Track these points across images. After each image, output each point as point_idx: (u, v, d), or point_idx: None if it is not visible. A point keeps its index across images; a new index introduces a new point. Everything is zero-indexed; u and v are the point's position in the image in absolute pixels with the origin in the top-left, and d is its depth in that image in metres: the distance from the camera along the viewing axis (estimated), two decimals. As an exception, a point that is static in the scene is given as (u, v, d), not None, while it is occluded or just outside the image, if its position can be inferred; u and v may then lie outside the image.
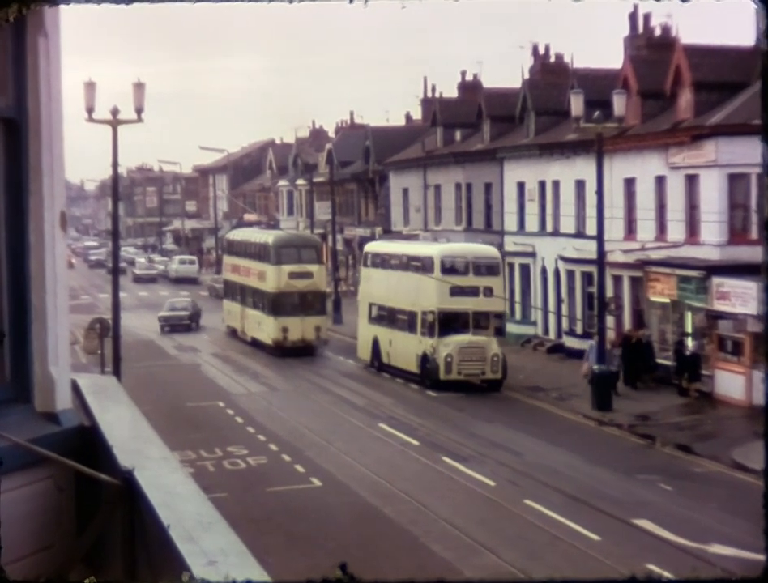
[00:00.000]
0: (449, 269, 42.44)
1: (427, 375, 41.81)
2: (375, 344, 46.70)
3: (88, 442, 6.17)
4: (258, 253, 55.50)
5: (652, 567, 20.63)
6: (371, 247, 51.82)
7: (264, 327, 53.04)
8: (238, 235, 63.99)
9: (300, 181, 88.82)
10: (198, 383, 45.32)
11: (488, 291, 41.81)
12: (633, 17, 48.84)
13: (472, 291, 41.56)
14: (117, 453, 5.72)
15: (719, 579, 6.78)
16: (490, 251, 44.43)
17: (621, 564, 20.84)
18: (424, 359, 41.91)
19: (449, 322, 41.40)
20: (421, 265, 43.55)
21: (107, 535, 5.68)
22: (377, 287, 47.25)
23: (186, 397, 41.57)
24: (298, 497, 27.17)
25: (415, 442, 33.15)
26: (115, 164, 35.44)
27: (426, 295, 42.18)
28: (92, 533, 5.70)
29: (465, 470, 29.40)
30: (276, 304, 51.78)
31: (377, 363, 46.56)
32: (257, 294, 54.67)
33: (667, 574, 18.80)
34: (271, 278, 52.60)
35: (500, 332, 44.26)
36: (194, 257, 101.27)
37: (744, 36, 64.76)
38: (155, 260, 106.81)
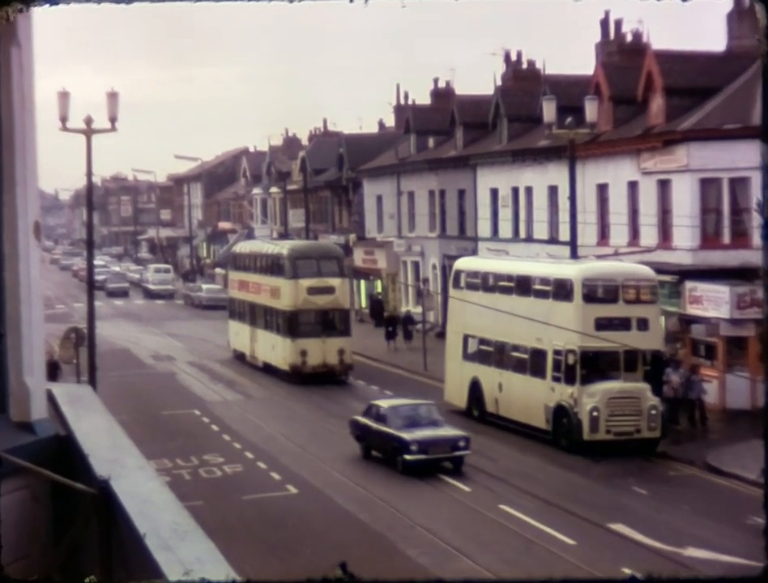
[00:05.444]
0: (593, 295, 33.14)
1: (564, 433, 32.40)
2: (475, 387, 37.33)
3: (64, 451, 6.17)
4: (271, 266, 49.06)
5: (628, 571, 20.69)
6: (465, 264, 40.82)
7: (279, 351, 46.85)
8: (246, 247, 57.45)
9: (273, 189, 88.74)
10: (173, 392, 45.18)
11: (642, 324, 32.73)
12: (604, 23, 49.03)
13: (623, 324, 32.60)
14: (93, 462, 5.73)
15: (719, 579, 6.82)
16: (644, 271, 34.14)
17: (597, 568, 20.90)
18: (559, 413, 32.58)
19: (593, 364, 32.38)
20: (552, 290, 33.92)
21: (83, 545, 5.68)
22: (476, 315, 36.86)
23: (162, 405, 41.46)
24: (274, 504, 27.17)
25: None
26: (89, 174, 35.34)
27: (561, 328, 32.27)
28: (69, 542, 5.71)
29: (440, 476, 29.41)
30: (293, 325, 45.69)
31: (479, 412, 37.08)
32: (270, 313, 48.33)
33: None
34: (287, 294, 46.38)
35: (655, 378, 33.64)
36: (169, 266, 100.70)
37: (714, 40, 65.14)
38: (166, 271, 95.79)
